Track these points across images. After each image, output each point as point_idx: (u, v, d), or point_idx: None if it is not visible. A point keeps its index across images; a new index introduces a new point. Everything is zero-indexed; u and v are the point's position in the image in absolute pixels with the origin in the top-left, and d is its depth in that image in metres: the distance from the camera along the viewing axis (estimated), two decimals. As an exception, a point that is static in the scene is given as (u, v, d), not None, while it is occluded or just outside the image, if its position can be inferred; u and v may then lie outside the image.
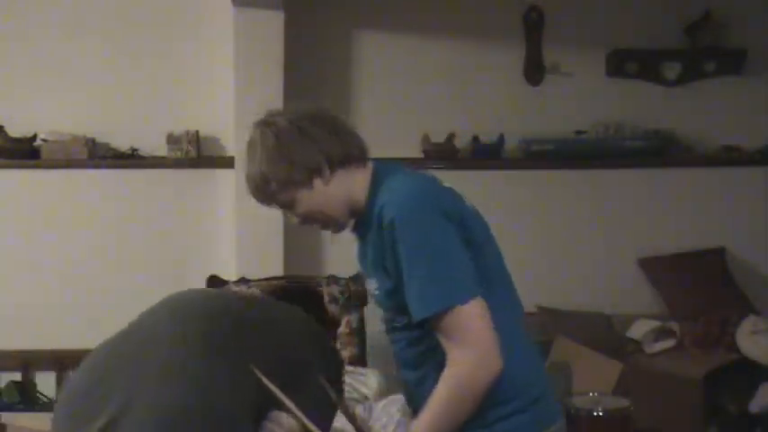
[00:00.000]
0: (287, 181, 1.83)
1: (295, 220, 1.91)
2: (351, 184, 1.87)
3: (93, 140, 3.81)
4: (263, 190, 1.88)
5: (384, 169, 1.92)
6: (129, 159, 3.83)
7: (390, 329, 1.87)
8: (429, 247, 1.70)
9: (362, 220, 1.86)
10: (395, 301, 1.77)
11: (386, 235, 1.72)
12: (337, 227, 1.93)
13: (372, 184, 1.87)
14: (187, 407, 1.65)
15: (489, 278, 1.76)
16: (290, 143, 1.85)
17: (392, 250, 1.72)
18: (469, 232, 1.80)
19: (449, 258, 1.69)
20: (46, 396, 3.71)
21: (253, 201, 1.95)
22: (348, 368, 3.24)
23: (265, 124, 1.94)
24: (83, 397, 1.80)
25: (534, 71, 4.04)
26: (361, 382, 3.12)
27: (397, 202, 1.75)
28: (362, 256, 1.92)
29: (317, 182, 1.83)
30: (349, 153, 1.90)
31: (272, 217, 3.79)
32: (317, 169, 1.83)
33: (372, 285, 1.88)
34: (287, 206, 1.89)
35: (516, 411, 1.75)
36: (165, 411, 1.65)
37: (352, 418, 1.81)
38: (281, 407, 1.72)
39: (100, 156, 3.83)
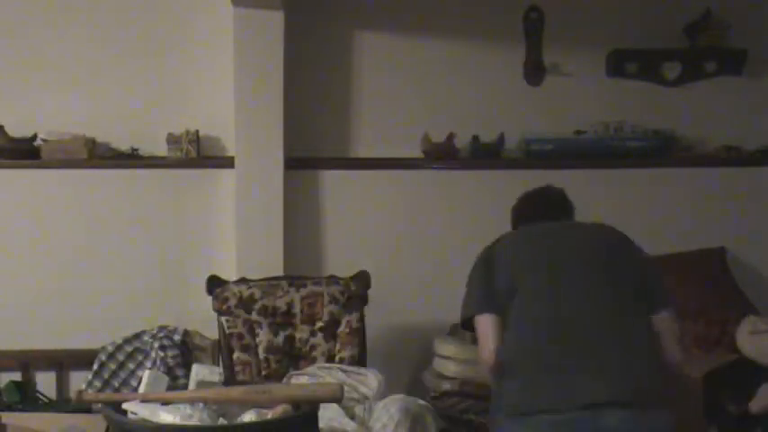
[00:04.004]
0: None
1: None
2: None
3: (93, 140, 3.82)
4: None
5: None
6: (129, 159, 3.84)
7: None
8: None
9: None
10: None
11: None
12: None
13: None
14: None
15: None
16: None
17: None
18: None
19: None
20: (46, 396, 3.71)
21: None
22: (348, 368, 3.24)
23: None
24: None
25: (534, 71, 4.04)
26: (361, 382, 3.12)
27: None
28: None
29: None
30: None
31: (272, 217, 3.81)
32: None
33: None
34: None
35: None
36: None
37: None
38: None
39: (100, 156, 3.83)
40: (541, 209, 2.74)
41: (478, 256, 2.61)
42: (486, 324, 2.45)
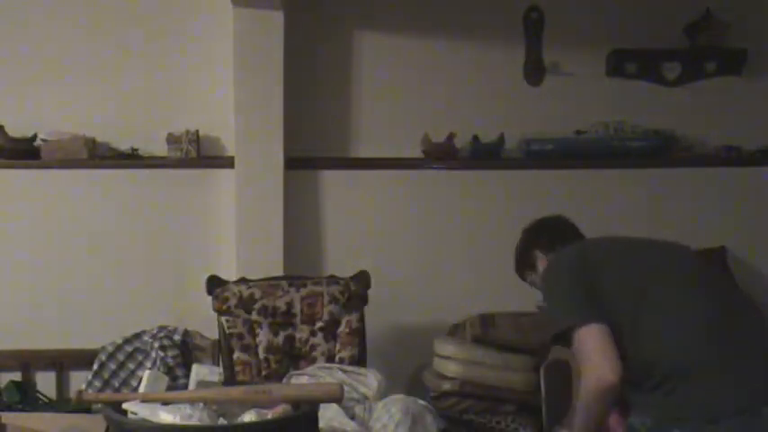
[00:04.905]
0: None
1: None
2: None
3: (93, 140, 3.82)
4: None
5: None
6: (129, 159, 3.84)
7: None
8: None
9: None
10: None
11: None
12: None
13: None
14: None
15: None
16: None
17: None
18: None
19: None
20: (46, 396, 3.71)
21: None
22: (348, 368, 3.24)
23: None
24: None
25: (534, 71, 4.04)
26: (361, 382, 3.12)
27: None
28: None
29: None
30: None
31: (272, 217, 3.81)
32: None
33: None
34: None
35: None
36: None
37: None
38: None
39: (100, 156, 3.83)
40: (571, 229, 2.63)
41: (556, 266, 2.40)
42: (602, 335, 2.16)
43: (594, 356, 2.16)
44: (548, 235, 2.62)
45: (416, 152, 3.96)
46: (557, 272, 2.37)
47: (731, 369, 2.16)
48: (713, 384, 2.14)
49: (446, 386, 3.42)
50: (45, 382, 3.79)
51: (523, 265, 2.66)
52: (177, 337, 3.56)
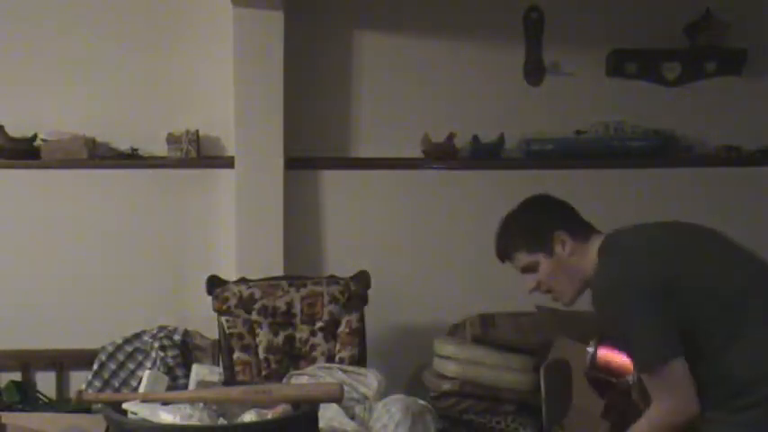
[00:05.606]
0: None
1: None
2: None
3: (93, 140, 3.82)
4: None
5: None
6: (129, 159, 3.84)
7: None
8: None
9: None
10: None
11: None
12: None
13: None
14: None
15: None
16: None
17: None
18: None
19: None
20: (46, 396, 3.71)
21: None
22: (348, 368, 3.24)
23: None
24: None
25: (534, 71, 4.04)
26: (361, 382, 3.12)
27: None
28: None
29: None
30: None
31: (272, 217, 3.81)
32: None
33: None
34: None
35: None
36: None
37: None
38: None
39: (100, 156, 3.83)
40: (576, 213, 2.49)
41: (624, 281, 2.15)
42: (683, 369, 2.06)
43: (679, 390, 2.07)
44: (573, 216, 2.44)
45: (416, 152, 3.96)
46: (627, 290, 2.14)
47: None
48: None
49: (446, 386, 3.42)
50: (45, 382, 3.79)
51: (526, 242, 2.34)
52: (177, 337, 3.56)
